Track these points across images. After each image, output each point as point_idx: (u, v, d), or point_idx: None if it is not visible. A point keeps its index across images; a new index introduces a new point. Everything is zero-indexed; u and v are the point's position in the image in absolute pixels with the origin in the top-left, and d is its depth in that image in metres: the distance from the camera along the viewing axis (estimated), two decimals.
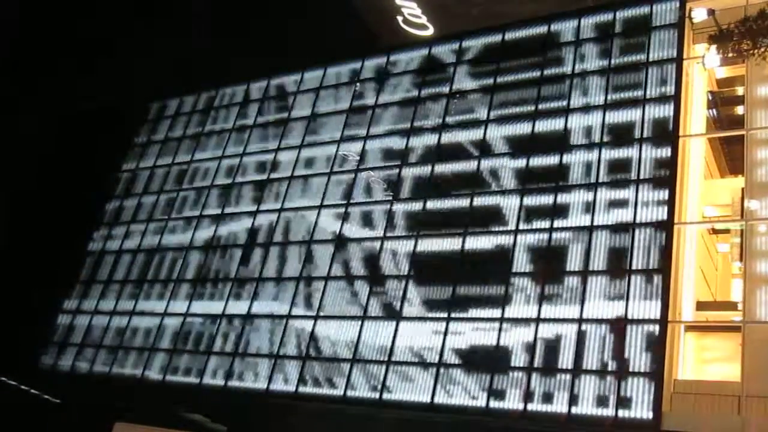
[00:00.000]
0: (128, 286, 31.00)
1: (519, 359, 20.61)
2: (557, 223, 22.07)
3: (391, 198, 25.76)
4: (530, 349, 20.55)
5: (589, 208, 21.78)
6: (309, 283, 25.94)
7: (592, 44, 24.65)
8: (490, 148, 24.74)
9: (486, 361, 21.02)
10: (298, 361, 24.44)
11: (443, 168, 25.38)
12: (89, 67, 37.99)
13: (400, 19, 27.40)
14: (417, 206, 25.05)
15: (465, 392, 21.01)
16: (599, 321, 20.00)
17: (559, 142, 23.39)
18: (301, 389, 23.85)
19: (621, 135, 22.46)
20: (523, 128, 24.44)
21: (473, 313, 22.06)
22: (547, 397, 19.73)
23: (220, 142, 32.57)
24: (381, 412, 22.38)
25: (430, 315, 22.77)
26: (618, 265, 20.48)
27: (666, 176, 20.97)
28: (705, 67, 22.22)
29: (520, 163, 23.83)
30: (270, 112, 31.84)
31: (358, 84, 29.61)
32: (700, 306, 21.43)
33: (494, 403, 20.38)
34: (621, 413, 18.59)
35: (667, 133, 21.57)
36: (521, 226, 22.58)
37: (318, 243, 26.60)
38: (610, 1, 24.89)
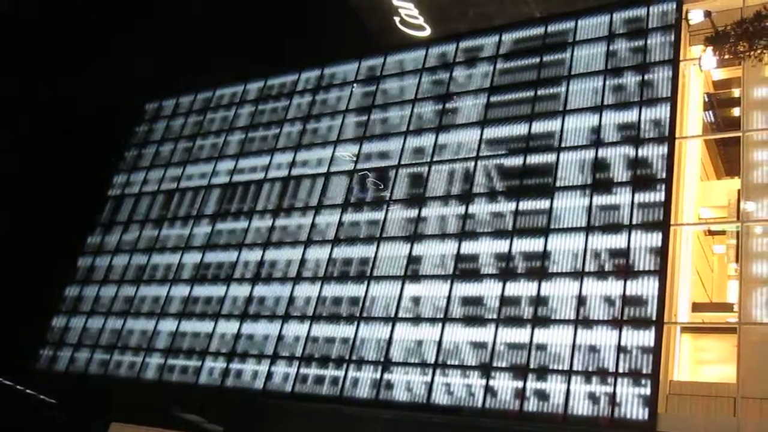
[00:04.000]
0: (124, 285, 30.97)
1: (515, 360, 20.66)
2: (553, 226, 22.14)
3: (387, 199, 25.83)
4: (526, 350, 20.59)
5: (585, 209, 21.81)
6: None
7: (589, 46, 24.69)
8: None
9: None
10: (294, 360, 24.48)
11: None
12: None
13: (397, 20, 27.38)
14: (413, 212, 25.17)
15: (462, 392, 21.03)
16: (595, 322, 20.04)
17: (556, 143, 23.44)
18: (298, 389, 23.86)
19: (617, 136, 22.51)
20: (520, 129, 24.47)
21: (470, 313, 22.15)
22: (544, 398, 19.76)
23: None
24: (378, 411, 22.38)
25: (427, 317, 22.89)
26: (614, 267, 20.52)
27: (662, 177, 21.02)
28: (701, 69, 22.16)
29: (515, 162, 23.89)
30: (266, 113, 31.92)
31: (354, 85, 29.60)
32: (696, 307, 21.48)
33: (491, 403, 20.42)
34: (616, 414, 18.62)
35: (663, 135, 21.63)
36: (517, 231, 22.69)
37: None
38: (607, 3, 24.92)
